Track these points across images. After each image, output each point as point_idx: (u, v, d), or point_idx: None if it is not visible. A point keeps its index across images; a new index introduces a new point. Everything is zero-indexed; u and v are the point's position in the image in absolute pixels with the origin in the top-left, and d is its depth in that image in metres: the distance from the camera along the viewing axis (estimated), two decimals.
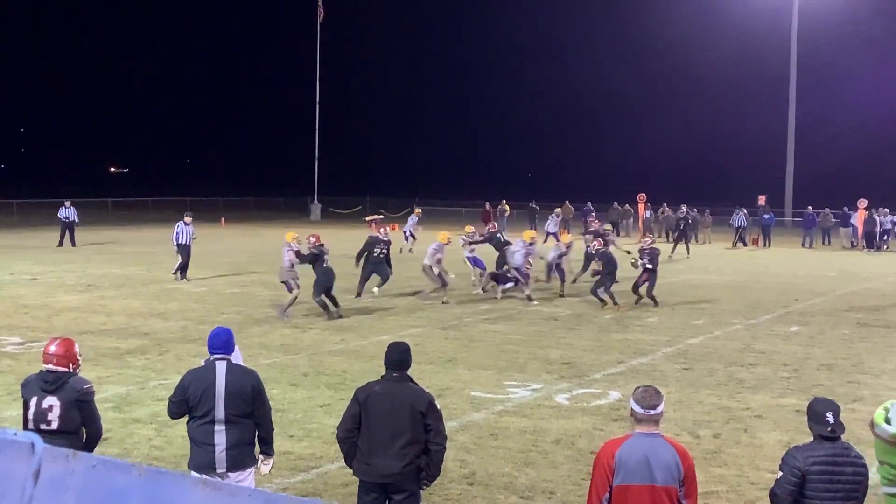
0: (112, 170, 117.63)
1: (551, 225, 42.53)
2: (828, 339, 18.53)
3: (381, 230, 24.67)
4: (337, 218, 63.61)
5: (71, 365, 7.41)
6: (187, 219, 26.91)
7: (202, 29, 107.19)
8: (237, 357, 8.01)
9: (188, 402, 7.42)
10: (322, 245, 20.48)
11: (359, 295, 23.02)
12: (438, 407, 7.32)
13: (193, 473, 7.28)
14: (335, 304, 20.18)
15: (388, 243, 24.02)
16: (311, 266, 20.25)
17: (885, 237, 43.89)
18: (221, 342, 7.60)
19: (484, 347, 17.04)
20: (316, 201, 65.32)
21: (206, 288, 24.67)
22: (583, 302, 23.30)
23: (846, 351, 17.21)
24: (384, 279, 23.63)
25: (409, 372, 7.57)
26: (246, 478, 7.52)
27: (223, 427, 7.33)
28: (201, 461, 7.36)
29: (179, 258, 26.26)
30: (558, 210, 45.57)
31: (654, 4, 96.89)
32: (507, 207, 53.70)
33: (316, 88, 64.41)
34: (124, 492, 1.46)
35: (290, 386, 13.69)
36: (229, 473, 7.36)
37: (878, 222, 43.47)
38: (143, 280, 26.01)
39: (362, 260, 23.95)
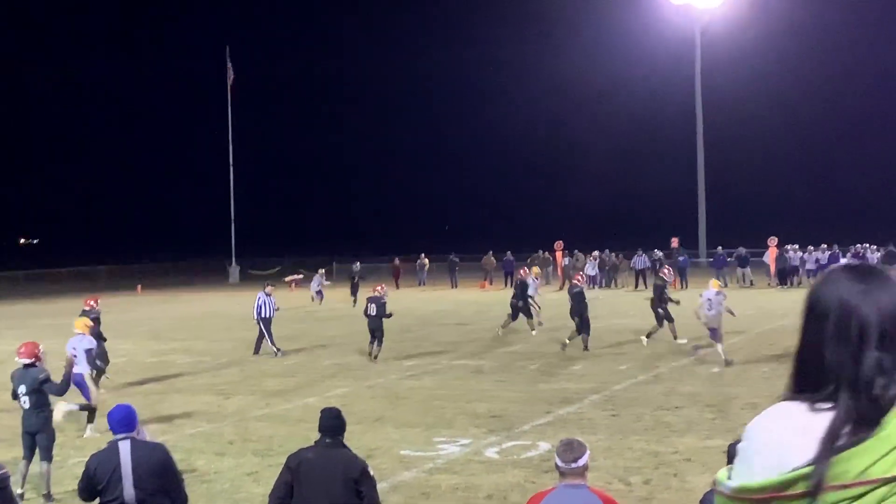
0: (22, 241, 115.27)
1: (589, 268, 43.56)
2: (750, 377, 18.79)
3: (523, 271, 29.01)
4: (256, 279, 62.99)
5: None
6: (269, 289, 24.86)
7: (110, 94, 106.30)
8: (143, 434, 7.77)
9: (95, 486, 7.21)
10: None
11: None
12: (372, 473, 7.23)
13: None
14: None
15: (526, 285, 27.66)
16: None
17: (797, 274, 44.82)
18: (119, 420, 7.39)
19: (411, 404, 16.92)
20: (234, 263, 64.66)
21: (125, 358, 24.12)
22: (508, 353, 23.32)
23: (769, 389, 17.44)
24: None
25: None
26: None
27: None
28: None
29: (266, 333, 24.17)
30: (595, 253, 46.37)
31: (562, 56, 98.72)
32: (427, 261, 53.75)
33: (229, 150, 64.05)
34: None
35: (216, 455, 13.40)
36: None
37: (788, 259, 44.47)
38: (58, 353, 25.31)
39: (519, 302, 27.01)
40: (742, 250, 46.89)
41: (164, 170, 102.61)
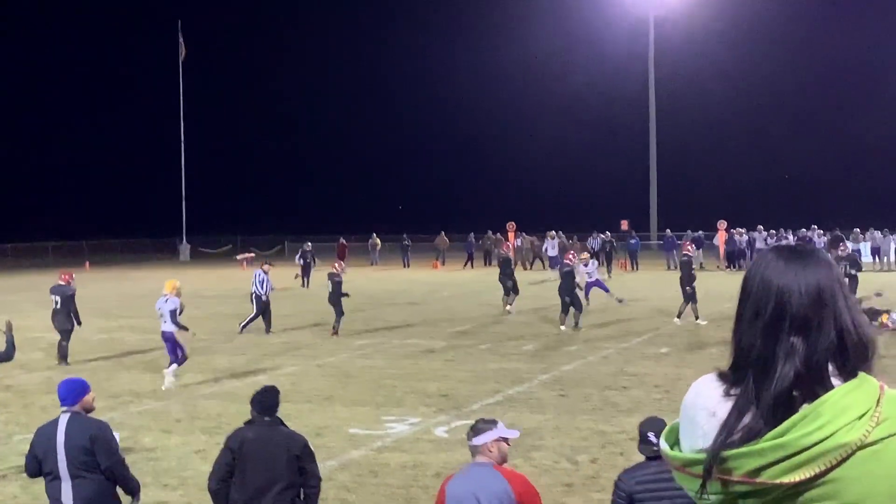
0: None
1: (550, 249, 44.04)
2: (697, 358, 19.02)
3: (506, 247, 30.81)
4: (207, 258, 62.60)
5: None
6: (266, 267, 24.64)
7: (58, 67, 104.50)
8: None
9: (37, 458, 7.21)
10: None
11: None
12: (312, 449, 7.26)
13: None
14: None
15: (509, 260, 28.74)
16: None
17: (744, 257, 45.42)
18: (63, 393, 7.40)
19: (361, 383, 16.93)
20: (185, 242, 64.12)
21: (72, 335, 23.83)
22: (458, 333, 23.39)
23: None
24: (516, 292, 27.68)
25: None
26: None
27: (69, 483, 7.09)
28: None
29: (255, 311, 23.98)
30: (552, 233, 46.40)
31: (514, 37, 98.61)
32: (379, 241, 53.72)
33: (180, 127, 63.40)
34: None
35: (163, 433, 13.32)
36: None
37: (737, 242, 45.03)
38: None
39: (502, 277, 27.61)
40: (700, 233, 47.53)
41: (115, 146, 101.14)
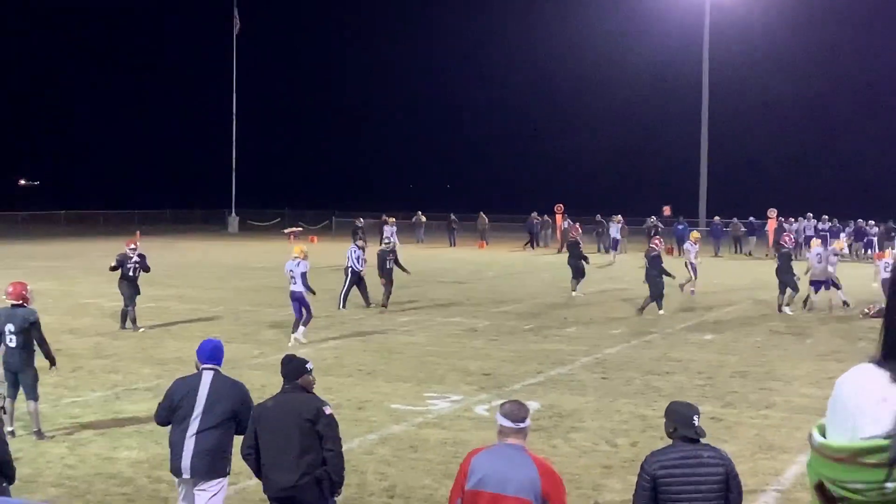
0: (21, 182, 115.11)
1: (614, 231, 43.84)
2: (741, 346, 18.90)
3: (575, 230, 30.87)
4: (255, 230, 63.06)
5: None
6: (360, 243, 24.85)
7: (114, 37, 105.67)
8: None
9: (171, 407, 7.64)
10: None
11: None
12: (329, 412, 7.25)
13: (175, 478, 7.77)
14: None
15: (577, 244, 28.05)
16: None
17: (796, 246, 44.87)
18: (206, 353, 7.90)
19: (403, 359, 17.03)
20: (234, 214, 64.63)
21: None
22: (502, 313, 23.42)
23: (759, 358, 17.58)
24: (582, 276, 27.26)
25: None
26: (213, 487, 7.61)
27: (195, 434, 7.49)
28: (174, 466, 7.62)
29: (347, 285, 23.94)
30: (619, 217, 45.78)
31: (567, 17, 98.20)
32: (424, 218, 53.77)
33: (233, 100, 63.79)
34: None
35: None
36: (198, 480, 7.54)
37: (786, 230, 44.48)
38: (54, 295, 25.46)
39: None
40: (753, 220, 47.06)
41: (168, 117, 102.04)
